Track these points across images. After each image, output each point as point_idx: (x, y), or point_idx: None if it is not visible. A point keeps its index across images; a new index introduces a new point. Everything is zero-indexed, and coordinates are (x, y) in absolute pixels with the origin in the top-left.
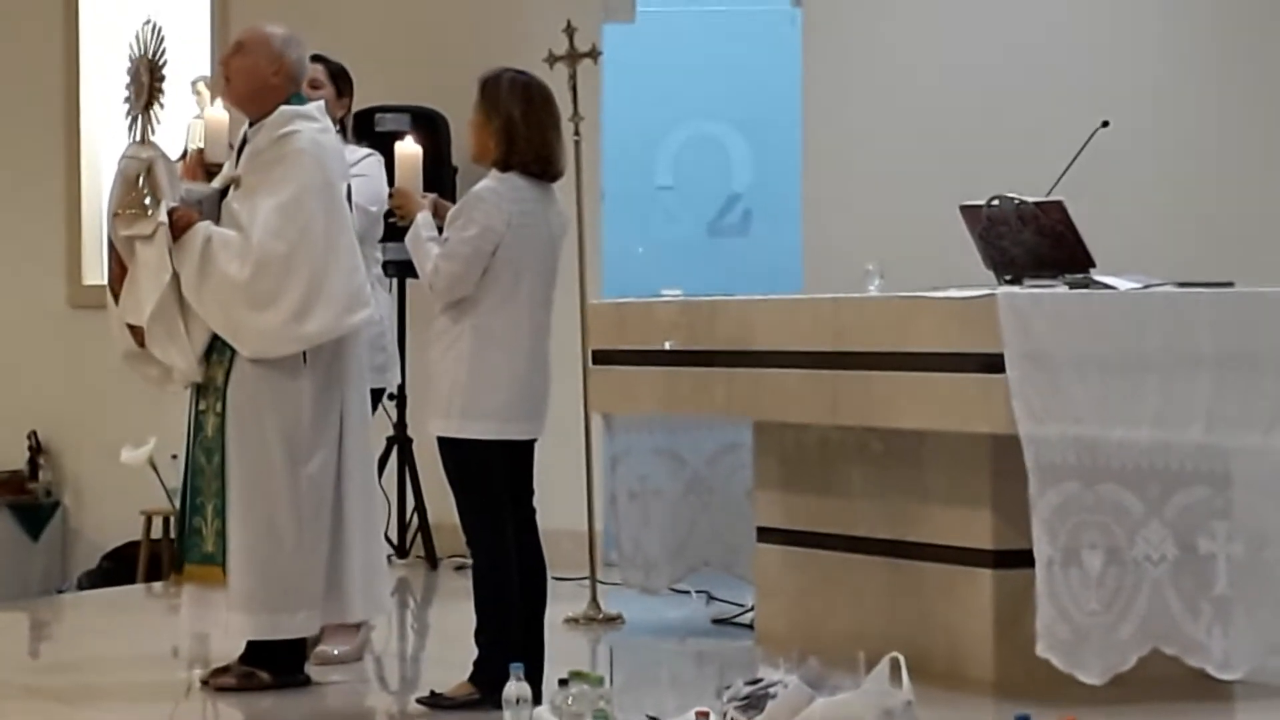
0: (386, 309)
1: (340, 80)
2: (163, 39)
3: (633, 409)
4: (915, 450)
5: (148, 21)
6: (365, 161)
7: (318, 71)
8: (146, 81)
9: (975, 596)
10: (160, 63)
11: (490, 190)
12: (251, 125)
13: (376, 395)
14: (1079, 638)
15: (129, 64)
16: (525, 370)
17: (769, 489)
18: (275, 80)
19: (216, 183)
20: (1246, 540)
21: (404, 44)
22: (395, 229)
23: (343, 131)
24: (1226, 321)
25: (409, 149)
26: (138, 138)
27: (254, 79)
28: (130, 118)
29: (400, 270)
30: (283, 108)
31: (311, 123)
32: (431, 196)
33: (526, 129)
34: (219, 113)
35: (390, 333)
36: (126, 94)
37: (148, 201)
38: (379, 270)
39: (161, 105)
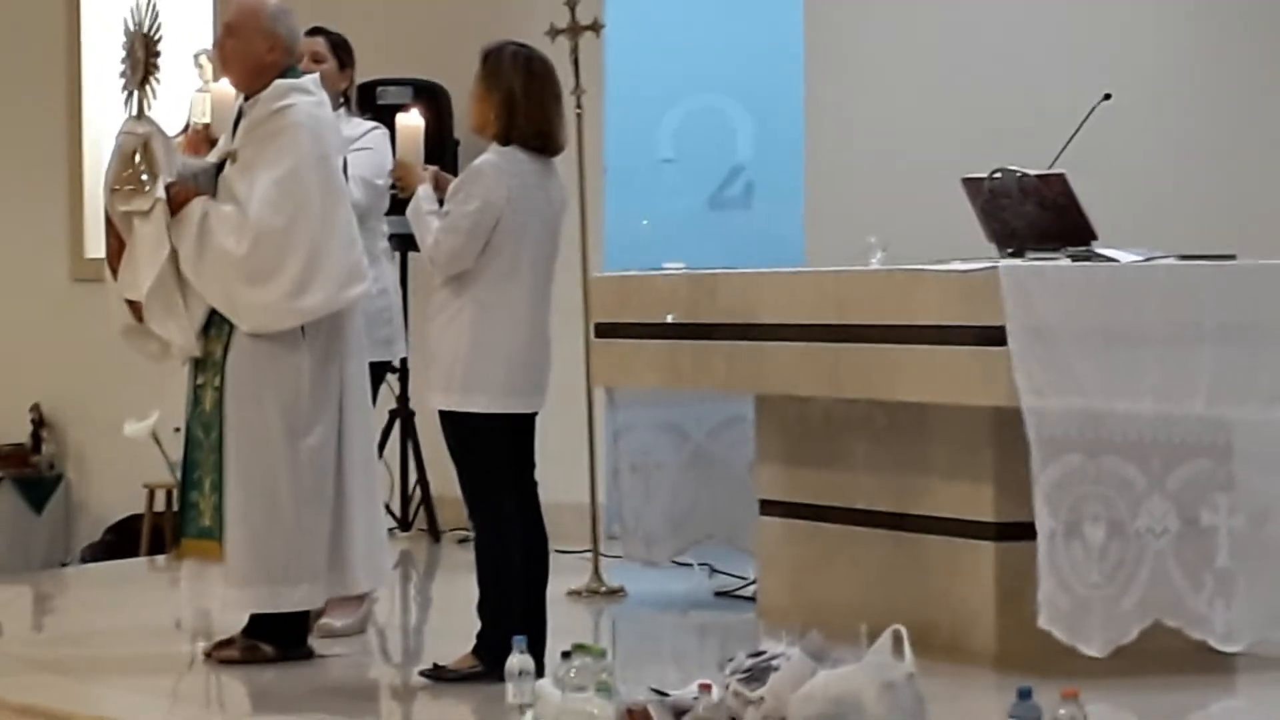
0: (392, 282)
1: (342, 52)
2: (158, 13)
3: (635, 382)
4: (917, 423)
5: None
6: (370, 134)
7: (319, 45)
8: (142, 56)
9: (977, 569)
10: (156, 37)
11: (491, 164)
12: (247, 99)
13: (383, 368)
14: (1081, 610)
15: (124, 39)
16: (526, 344)
17: (771, 462)
18: (271, 56)
19: (212, 156)
20: (1248, 513)
21: (406, 17)
22: (396, 201)
23: (346, 104)
24: (1228, 294)
25: (411, 121)
26: (134, 113)
27: (250, 59)
28: (126, 93)
29: (401, 243)
30: (278, 81)
31: (307, 96)
32: (433, 169)
33: (527, 103)
34: (225, 86)
35: (396, 305)
36: (122, 69)
37: (144, 177)
38: (385, 244)
39: (158, 80)
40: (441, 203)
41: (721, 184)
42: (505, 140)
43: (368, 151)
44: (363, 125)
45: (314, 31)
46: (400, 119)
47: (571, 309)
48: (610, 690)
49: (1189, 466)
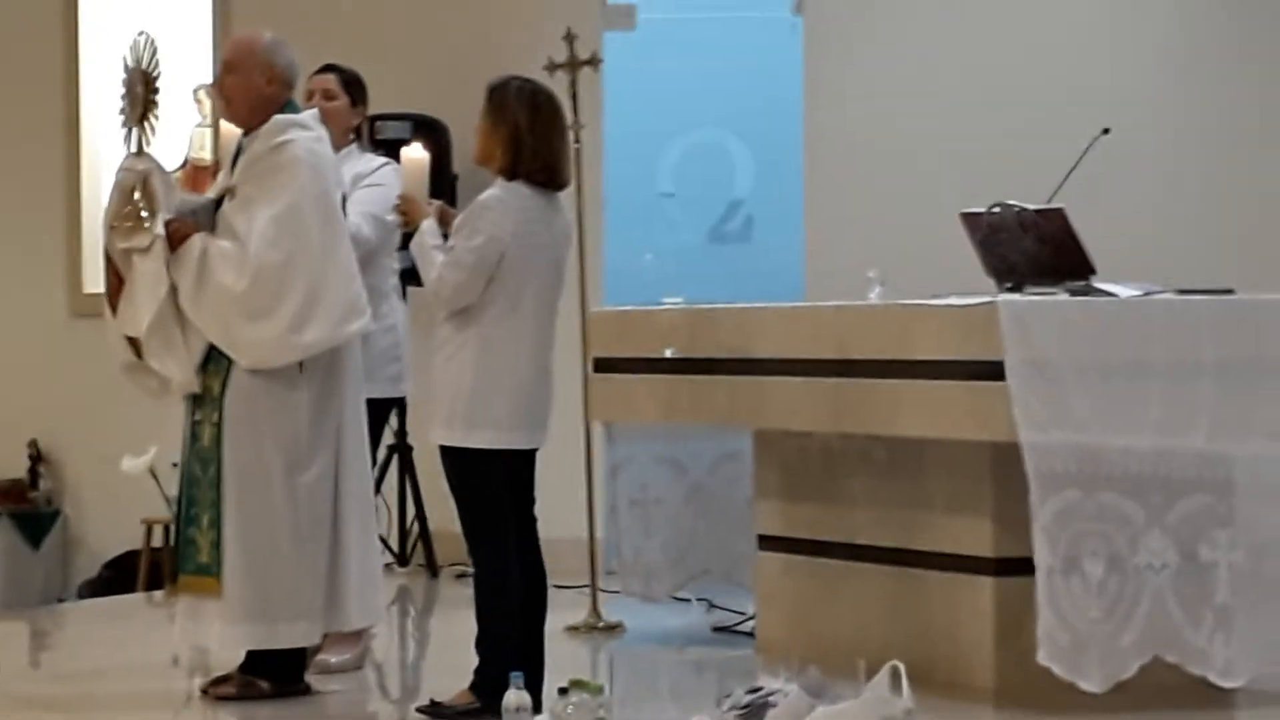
0: (402, 318)
1: (354, 89)
2: (156, 50)
3: (633, 417)
4: (916, 458)
5: (141, 33)
6: (381, 171)
7: (330, 82)
8: (141, 93)
9: (976, 604)
10: (154, 74)
11: (496, 199)
12: (246, 134)
13: (391, 404)
14: (1080, 645)
15: (123, 76)
16: (529, 379)
17: (770, 497)
18: (270, 89)
19: (211, 192)
20: (1248, 548)
21: (405, 52)
22: (403, 237)
23: (358, 139)
24: (1227, 328)
25: (416, 154)
26: (133, 149)
27: (250, 94)
28: (125, 130)
29: (403, 278)
30: (277, 117)
31: (306, 131)
32: (437, 203)
33: (533, 138)
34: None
35: (405, 342)
36: (121, 106)
37: (144, 214)
38: (395, 280)
39: (156, 117)
40: (446, 237)
41: (721, 218)
42: (511, 175)
43: (378, 188)
44: (374, 161)
45: (326, 69)
46: (405, 152)
47: (570, 343)
48: None
49: (1188, 502)
